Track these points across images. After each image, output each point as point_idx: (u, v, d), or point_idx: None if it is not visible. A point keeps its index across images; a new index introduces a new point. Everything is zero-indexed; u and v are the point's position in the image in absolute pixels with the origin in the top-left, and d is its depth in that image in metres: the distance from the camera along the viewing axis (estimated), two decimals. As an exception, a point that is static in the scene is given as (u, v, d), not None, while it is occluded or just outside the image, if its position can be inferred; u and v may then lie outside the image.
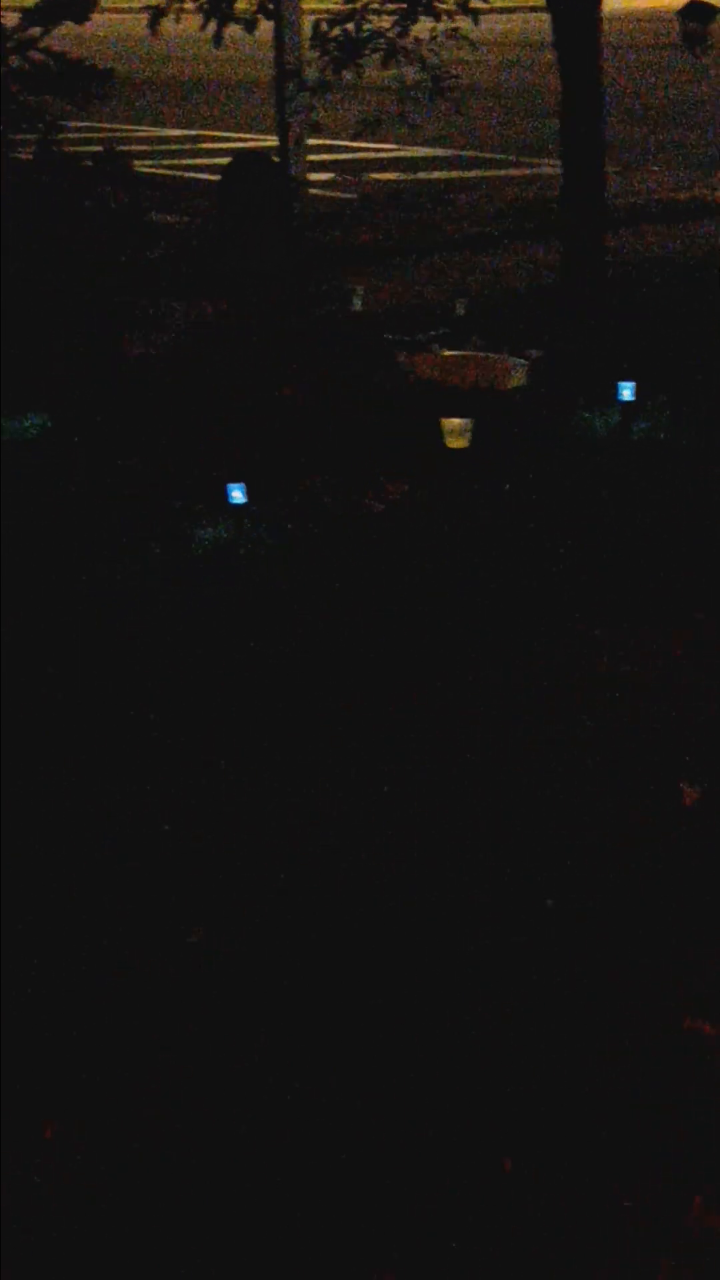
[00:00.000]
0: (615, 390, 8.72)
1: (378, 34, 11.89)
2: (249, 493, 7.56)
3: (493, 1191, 3.56)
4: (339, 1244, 3.44)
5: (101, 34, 24.49)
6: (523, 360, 9.62)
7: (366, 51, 11.88)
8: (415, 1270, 3.37)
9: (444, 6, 12.01)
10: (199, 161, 19.26)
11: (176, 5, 11.97)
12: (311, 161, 16.07)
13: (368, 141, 16.25)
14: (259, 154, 14.27)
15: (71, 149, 9.32)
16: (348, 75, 11.92)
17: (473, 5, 12.01)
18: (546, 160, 18.07)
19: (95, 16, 9.35)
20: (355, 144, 18.35)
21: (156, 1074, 3.99)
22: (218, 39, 11.82)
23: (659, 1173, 3.61)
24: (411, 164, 19.64)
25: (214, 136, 21.72)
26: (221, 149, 18.92)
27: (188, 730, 5.75)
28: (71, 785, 5.35)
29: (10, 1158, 3.72)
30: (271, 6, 13.12)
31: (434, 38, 11.98)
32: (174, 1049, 4.07)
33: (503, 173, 19.23)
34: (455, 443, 8.28)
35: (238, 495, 7.55)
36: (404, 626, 6.53)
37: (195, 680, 6.10)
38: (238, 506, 7.53)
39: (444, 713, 5.89)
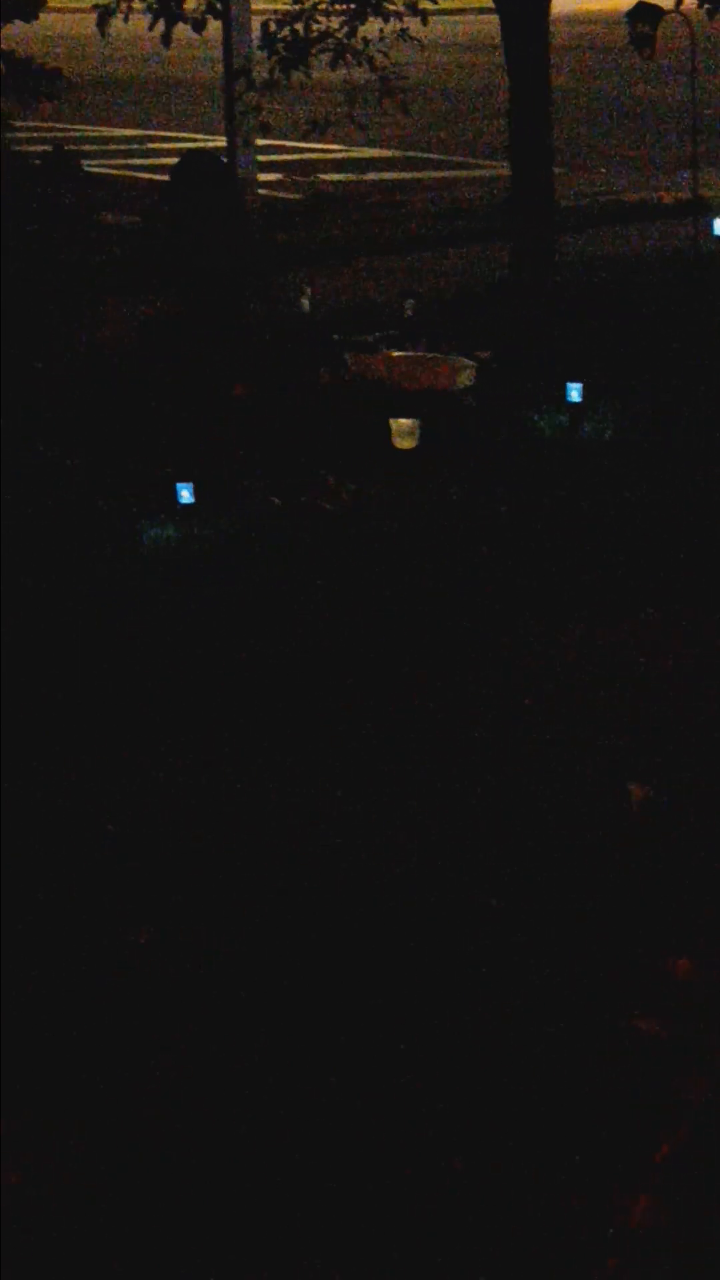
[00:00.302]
0: (564, 391, 8.75)
1: (326, 35, 11.88)
2: (197, 492, 7.56)
3: (444, 1191, 3.57)
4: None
5: (49, 33, 24.42)
6: (471, 361, 9.64)
7: (315, 52, 11.87)
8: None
9: (393, 7, 12.01)
10: (148, 161, 19.21)
11: (125, 4, 11.92)
12: (260, 162, 16.05)
13: (316, 142, 16.24)
14: (207, 154, 14.24)
15: (20, 148, 9.29)
16: (297, 75, 11.91)
17: (421, 6, 12.02)
18: (495, 162, 18.10)
19: (43, 15, 9.33)
20: (304, 144, 18.32)
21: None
22: (166, 38, 11.80)
23: (605, 1171, 3.62)
24: (360, 165, 19.64)
25: (163, 136, 21.66)
26: (170, 149, 18.86)
27: (134, 725, 5.75)
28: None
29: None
30: (220, 6, 13.08)
31: (383, 39, 11.98)
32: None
33: (451, 174, 19.26)
34: (404, 443, 8.29)
35: (186, 495, 7.54)
36: (353, 625, 6.54)
37: (143, 680, 6.09)
38: (186, 506, 7.52)
39: (390, 707, 5.90)
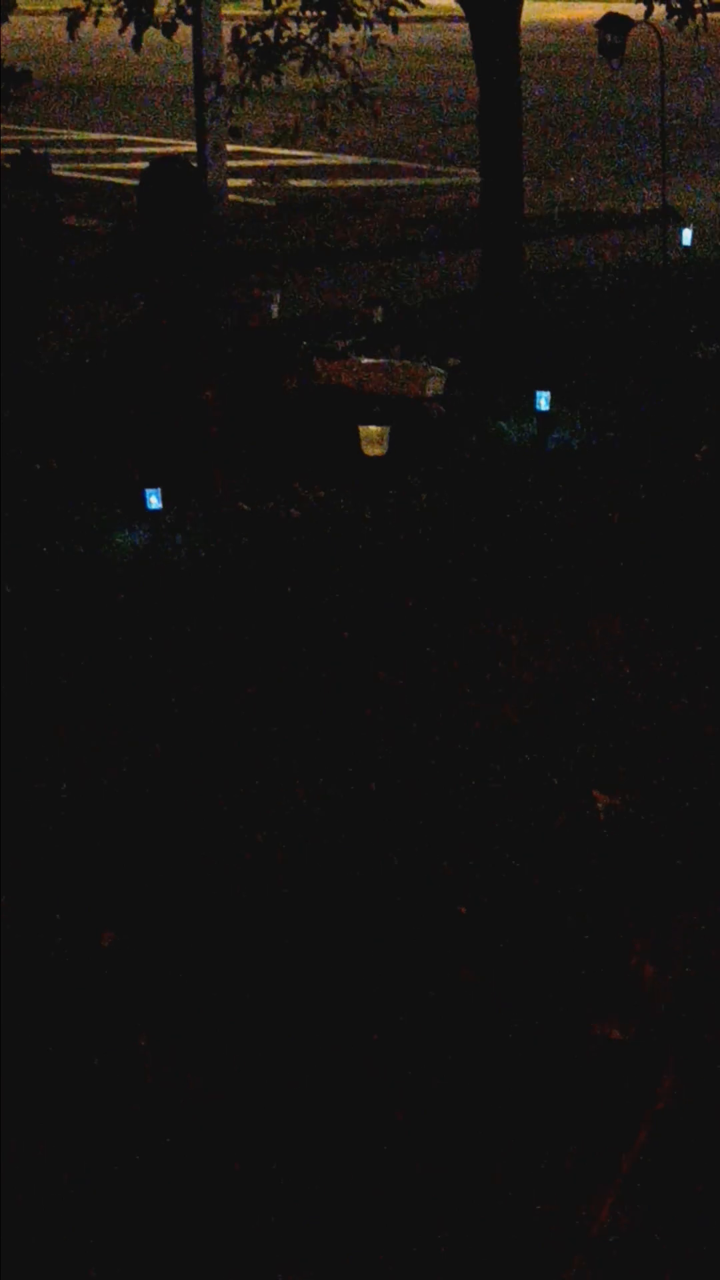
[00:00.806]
0: (532, 399, 8.75)
1: (297, 41, 11.88)
2: (165, 497, 7.54)
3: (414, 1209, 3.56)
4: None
5: (18, 36, 24.36)
6: (440, 369, 9.64)
7: (286, 58, 11.86)
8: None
9: (363, 14, 12.02)
10: (117, 166, 19.18)
11: (95, 8, 11.91)
12: (230, 167, 16.05)
13: (286, 148, 16.23)
14: (177, 159, 14.19)
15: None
16: (267, 82, 11.90)
17: (392, 14, 12.03)
18: (465, 169, 18.13)
19: (12, 18, 9.31)
20: (274, 151, 18.30)
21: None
22: (136, 42, 11.78)
23: (568, 1176, 3.62)
24: (330, 171, 19.64)
25: (133, 141, 21.63)
26: (140, 153, 18.84)
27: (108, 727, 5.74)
28: None
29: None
30: (190, 11, 13.06)
31: (353, 45, 11.98)
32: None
33: (421, 181, 19.27)
34: (372, 450, 8.28)
35: (154, 501, 7.53)
36: (319, 630, 6.53)
37: (112, 686, 6.08)
38: (154, 512, 7.51)
39: (351, 708, 5.90)
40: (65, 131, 22.58)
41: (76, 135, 22.46)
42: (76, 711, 5.92)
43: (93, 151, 20.96)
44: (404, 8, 12.20)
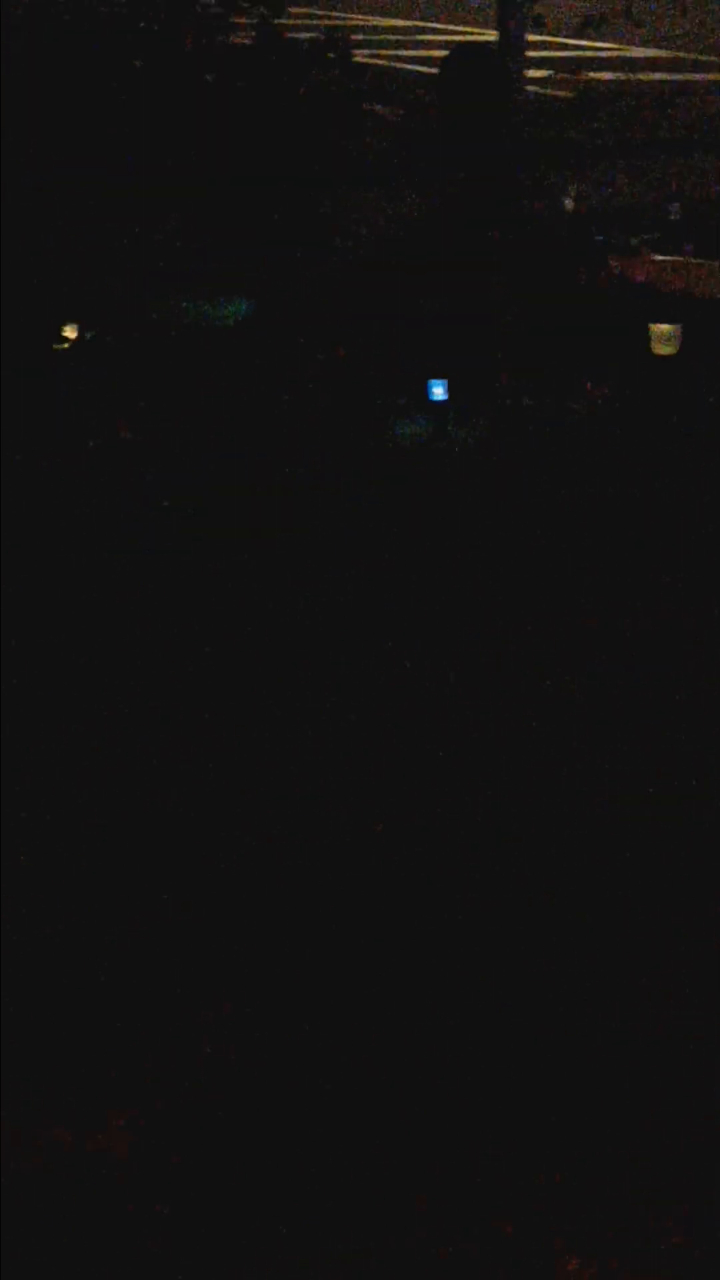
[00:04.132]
0: None
1: None
2: (450, 389, 7.51)
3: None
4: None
5: None
6: (736, 269, 9.42)
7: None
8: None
9: None
10: (416, 53, 19.01)
11: None
12: (531, 58, 15.80)
13: (588, 40, 15.94)
14: (480, 46, 14.06)
15: (289, 35, 9.24)
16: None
17: None
18: (771, 66, 17.62)
19: None
20: (574, 42, 17.98)
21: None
22: None
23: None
24: (631, 65, 19.23)
25: (433, 28, 21.43)
26: (440, 41, 18.65)
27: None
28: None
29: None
30: None
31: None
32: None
33: (725, 77, 18.78)
34: (662, 349, 8.13)
35: (439, 392, 7.50)
36: (599, 535, 6.46)
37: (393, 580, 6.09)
38: (438, 403, 7.48)
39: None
40: (365, 17, 22.46)
41: (376, 21, 22.33)
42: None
43: (392, 38, 20.81)
44: None
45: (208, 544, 6.28)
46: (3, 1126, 3.69)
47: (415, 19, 22.51)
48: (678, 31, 20.02)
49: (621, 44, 19.67)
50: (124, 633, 5.63)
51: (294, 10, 10.63)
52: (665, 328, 8.12)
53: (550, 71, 18.86)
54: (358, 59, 10.30)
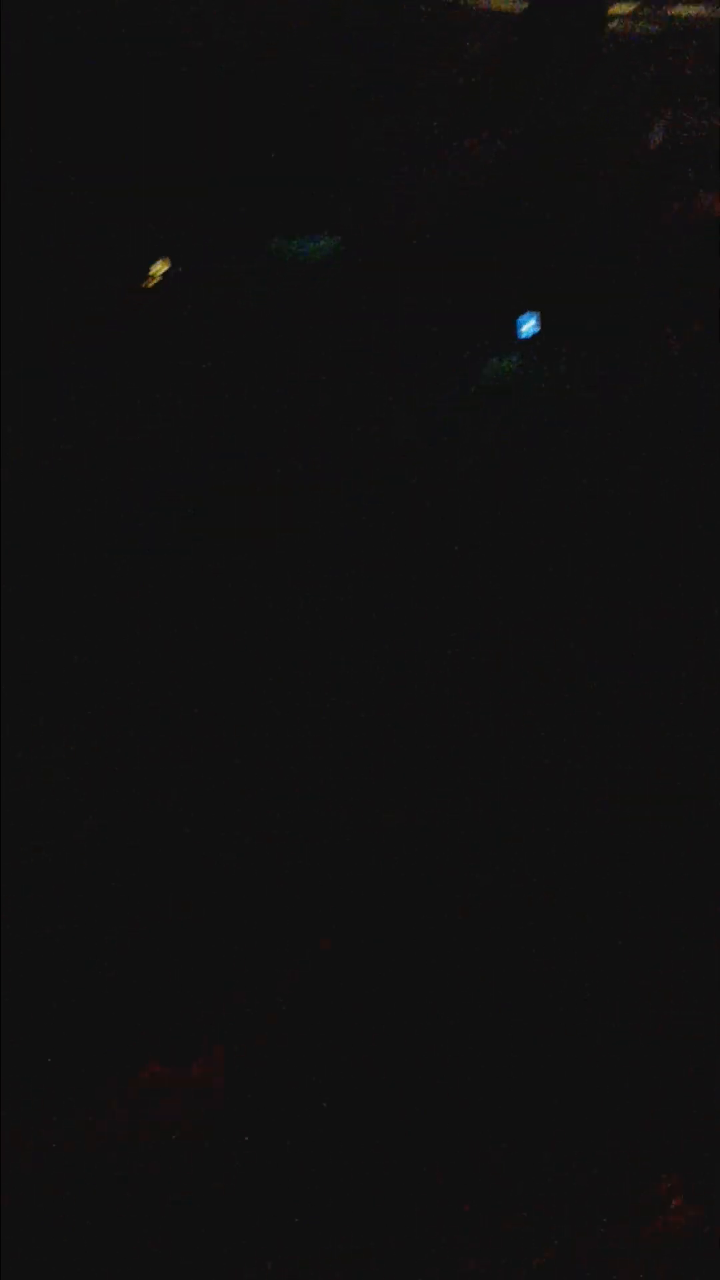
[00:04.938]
0: None
1: None
2: (538, 326, 7.48)
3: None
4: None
5: None
6: None
7: None
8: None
9: None
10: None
11: None
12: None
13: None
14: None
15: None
16: None
17: None
18: None
19: None
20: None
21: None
22: None
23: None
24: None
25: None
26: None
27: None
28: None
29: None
30: None
31: None
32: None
33: None
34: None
35: (526, 328, 7.47)
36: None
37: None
38: (525, 340, 7.46)
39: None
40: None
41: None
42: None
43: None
44: None
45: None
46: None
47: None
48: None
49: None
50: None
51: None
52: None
53: (635, 6, 18.66)
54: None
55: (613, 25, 15.57)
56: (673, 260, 8.63)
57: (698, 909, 4.32)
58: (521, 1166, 3.49)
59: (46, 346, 7.53)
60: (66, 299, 7.79)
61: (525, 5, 13.29)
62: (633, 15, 17.83)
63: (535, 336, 7.48)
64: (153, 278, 8.02)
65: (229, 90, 8.80)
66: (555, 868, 4.44)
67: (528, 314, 7.45)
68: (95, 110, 8.71)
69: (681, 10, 18.58)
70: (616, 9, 15.74)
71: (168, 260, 7.98)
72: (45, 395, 7.07)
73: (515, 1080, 3.75)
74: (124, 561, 5.98)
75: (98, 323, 7.33)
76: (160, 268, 7.97)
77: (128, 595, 5.86)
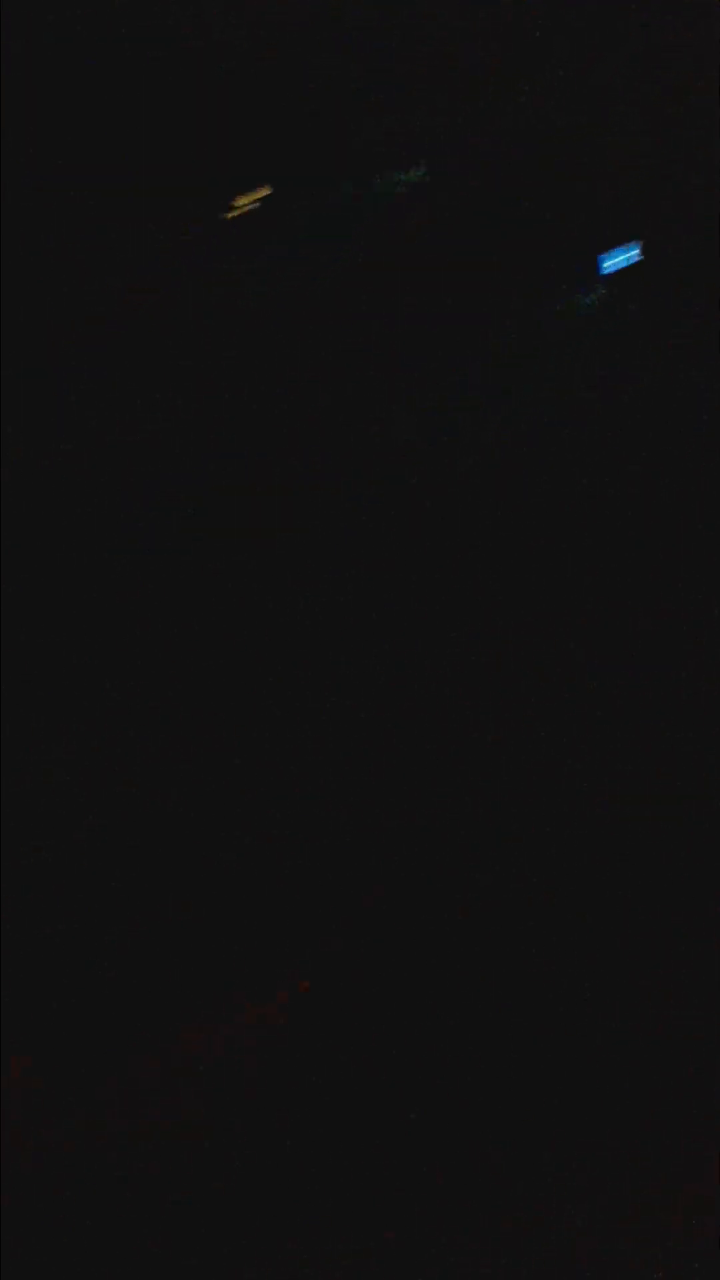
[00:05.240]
0: None
1: None
2: (625, 259, 7.42)
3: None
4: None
5: None
6: None
7: None
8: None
9: None
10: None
11: None
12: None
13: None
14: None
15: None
16: None
17: None
18: None
19: None
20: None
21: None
22: None
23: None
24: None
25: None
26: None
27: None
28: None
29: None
30: None
31: None
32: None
33: None
34: None
35: (609, 263, 7.43)
36: None
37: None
38: (608, 275, 7.42)
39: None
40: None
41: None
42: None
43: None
44: None
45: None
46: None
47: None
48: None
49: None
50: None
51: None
52: None
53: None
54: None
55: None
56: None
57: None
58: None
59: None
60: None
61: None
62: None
63: (618, 272, 7.46)
64: (238, 208, 7.94)
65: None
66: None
67: (613, 251, 7.43)
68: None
69: (681, 10, 18.49)
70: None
71: (264, 189, 7.91)
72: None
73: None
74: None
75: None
76: (248, 198, 7.89)
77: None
